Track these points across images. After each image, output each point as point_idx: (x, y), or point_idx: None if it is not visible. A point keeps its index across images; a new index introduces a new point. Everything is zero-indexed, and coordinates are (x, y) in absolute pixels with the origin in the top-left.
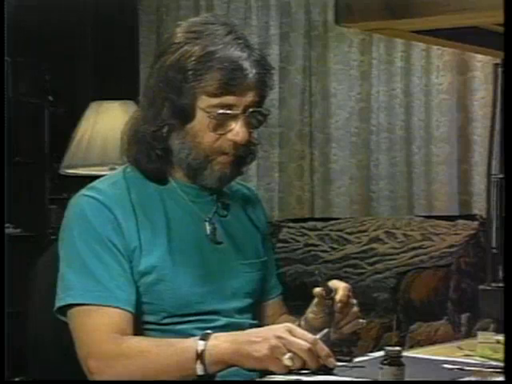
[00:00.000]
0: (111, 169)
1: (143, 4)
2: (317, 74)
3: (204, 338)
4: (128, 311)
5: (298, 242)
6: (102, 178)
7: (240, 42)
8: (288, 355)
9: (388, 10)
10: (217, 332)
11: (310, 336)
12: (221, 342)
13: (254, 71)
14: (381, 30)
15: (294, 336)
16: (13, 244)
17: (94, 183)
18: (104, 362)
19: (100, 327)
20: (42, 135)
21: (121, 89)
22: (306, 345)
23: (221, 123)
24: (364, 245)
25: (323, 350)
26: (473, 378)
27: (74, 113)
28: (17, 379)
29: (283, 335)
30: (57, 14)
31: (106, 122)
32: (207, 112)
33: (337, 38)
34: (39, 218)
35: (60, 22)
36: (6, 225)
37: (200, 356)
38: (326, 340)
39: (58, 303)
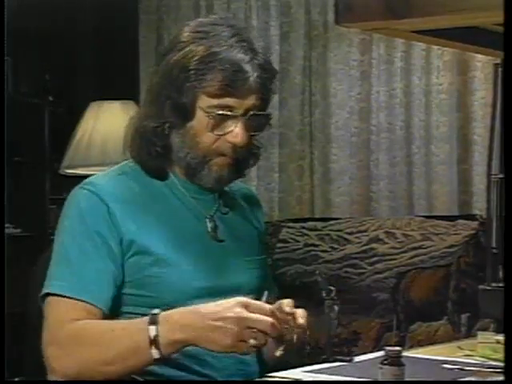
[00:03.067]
0: None
1: (143, 4)
2: (317, 73)
3: (154, 321)
4: (99, 308)
5: (297, 242)
6: (100, 173)
7: (244, 44)
8: (252, 340)
9: (388, 10)
10: None
11: (266, 307)
12: (174, 327)
13: (255, 74)
14: (381, 29)
15: (252, 311)
16: (13, 244)
17: (93, 177)
18: (61, 349)
19: (64, 317)
20: (42, 135)
21: (121, 89)
22: (268, 320)
23: (220, 124)
24: (364, 245)
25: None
26: (473, 378)
27: (73, 113)
28: (17, 379)
29: (242, 315)
30: (57, 14)
31: (106, 122)
32: (207, 112)
33: (337, 38)
34: (39, 218)
35: (60, 21)
36: (6, 225)
37: (154, 341)
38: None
39: (40, 293)
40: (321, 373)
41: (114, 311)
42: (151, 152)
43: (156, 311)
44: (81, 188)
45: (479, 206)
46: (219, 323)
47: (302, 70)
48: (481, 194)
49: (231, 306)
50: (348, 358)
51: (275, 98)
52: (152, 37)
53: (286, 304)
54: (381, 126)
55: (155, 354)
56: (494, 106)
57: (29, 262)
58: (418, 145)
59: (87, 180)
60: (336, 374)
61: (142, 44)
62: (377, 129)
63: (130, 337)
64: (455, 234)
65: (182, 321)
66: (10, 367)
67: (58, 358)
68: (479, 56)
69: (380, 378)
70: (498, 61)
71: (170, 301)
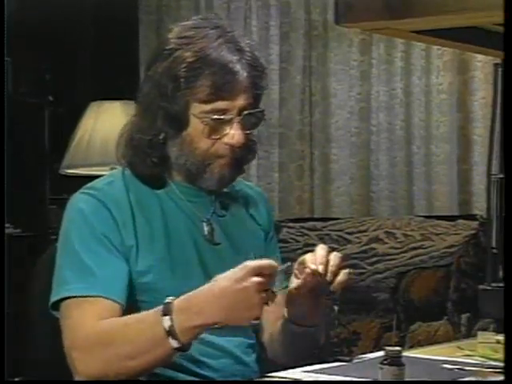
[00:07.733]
0: (111, 169)
1: (143, 4)
2: (317, 73)
3: (167, 311)
4: (117, 302)
5: (297, 242)
6: (100, 178)
7: (230, 45)
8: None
9: (388, 10)
10: (220, 332)
11: (276, 265)
12: (189, 314)
13: (244, 74)
14: (381, 30)
15: (265, 273)
16: (13, 244)
17: (92, 183)
18: (84, 351)
19: (84, 317)
20: (42, 135)
21: (121, 89)
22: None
23: (215, 128)
24: (364, 245)
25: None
26: (473, 378)
27: (73, 113)
28: (17, 379)
29: (259, 282)
30: (57, 14)
31: (106, 122)
32: (201, 118)
33: (337, 38)
34: (39, 218)
35: (60, 22)
36: (6, 225)
37: (169, 332)
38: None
39: (52, 298)
40: (321, 373)
41: (132, 302)
42: (147, 162)
43: (169, 299)
44: (82, 193)
45: (479, 206)
46: (239, 297)
47: (302, 70)
48: (481, 194)
49: (243, 276)
50: (348, 358)
51: (275, 98)
52: (152, 37)
53: (310, 261)
54: (381, 126)
55: (174, 343)
56: (494, 105)
57: (29, 262)
58: (418, 145)
59: (88, 185)
60: (336, 374)
61: (141, 44)
62: (377, 129)
63: (146, 330)
64: (455, 234)
65: (197, 306)
66: (10, 367)
67: (83, 360)
68: (479, 56)
69: (380, 378)
70: (498, 61)
71: None
